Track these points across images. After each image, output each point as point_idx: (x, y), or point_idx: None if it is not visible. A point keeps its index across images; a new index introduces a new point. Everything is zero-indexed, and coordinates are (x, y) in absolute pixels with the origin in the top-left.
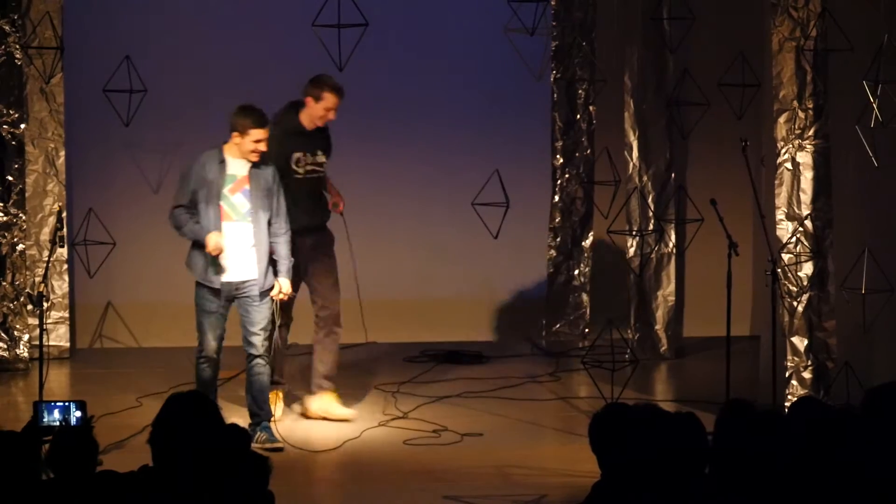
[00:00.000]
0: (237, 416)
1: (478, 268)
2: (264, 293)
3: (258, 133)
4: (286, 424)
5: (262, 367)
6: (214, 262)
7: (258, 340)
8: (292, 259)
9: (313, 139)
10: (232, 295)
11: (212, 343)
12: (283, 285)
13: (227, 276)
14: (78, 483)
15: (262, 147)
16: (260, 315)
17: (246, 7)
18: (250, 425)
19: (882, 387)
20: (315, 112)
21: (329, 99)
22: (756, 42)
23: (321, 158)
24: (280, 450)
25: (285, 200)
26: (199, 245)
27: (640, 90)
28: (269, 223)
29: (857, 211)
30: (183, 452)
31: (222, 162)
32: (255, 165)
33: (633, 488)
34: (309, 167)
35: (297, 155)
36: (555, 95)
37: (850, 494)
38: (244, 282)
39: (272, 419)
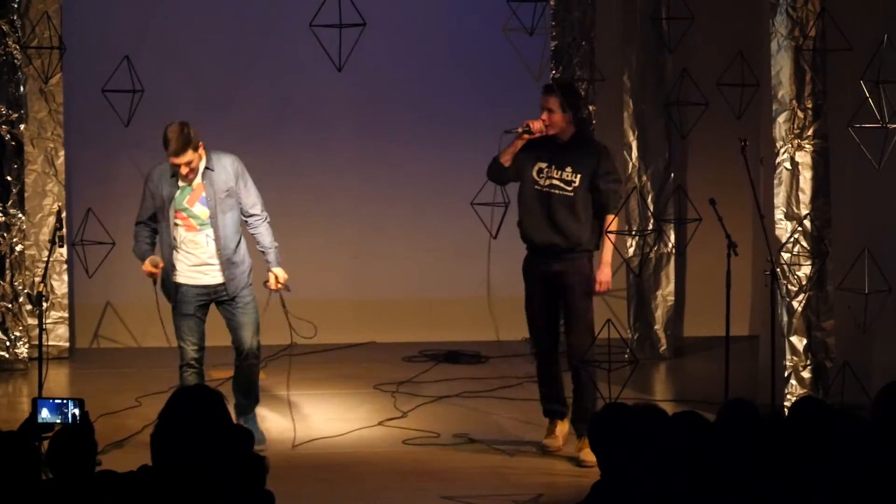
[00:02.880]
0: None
1: (477, 267)
2: (241, 294)
3: (174, 159)
4: (285, 425)
5: (251, 361)
6: (173, 267)
7: (248, 344)
8: (276, 244)
9: (565, 152)
10: (210, 299)
11: (192, 347)
12: (278, 274)
13: (196, 280)
14: (77, 483)
15: (185, 169)
16: (245, 317)
17: (245, 7)
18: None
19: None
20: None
21: (542, 100)
22: (755, 42)
23: (569, 176)
24: (261, 442)
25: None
26: (161, 250)
27: (639, 90)
28: (247, 215)
29: (855, 211)
30: (186, 449)
31: (174, 176)
32: (207, 169)
33: (633, 488)
34: (550, 181)
35: (540, 164)
36: None
37: (850, 494)
38: (216, 286)
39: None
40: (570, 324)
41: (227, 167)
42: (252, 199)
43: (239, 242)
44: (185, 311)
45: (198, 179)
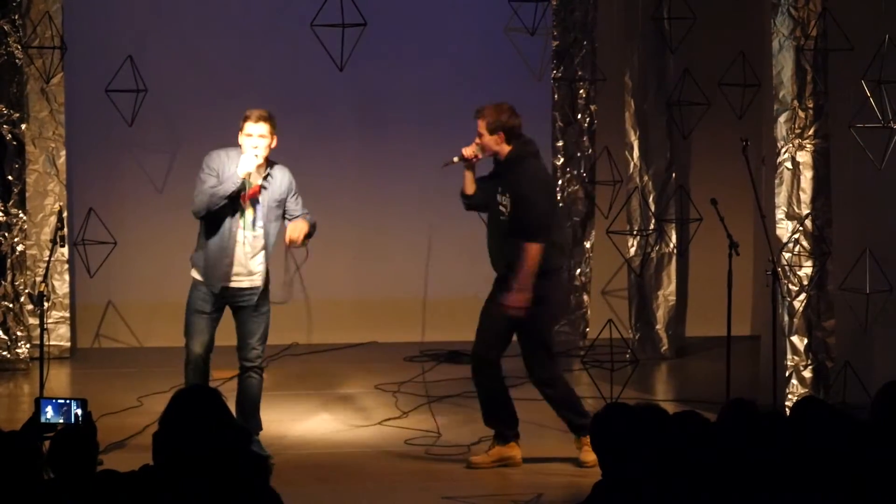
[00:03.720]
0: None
1: (478, 267)
2: (262, 302)
3: (248, 126)
4: (285, 425)
5: (255, 377)
6: (218, 267)
7: (254, 352)
8: (309, 216)
9: (498, 176)
10: (229, 303)
11: (200, 347)
12: (289, 230)
13: (230, 283)
14: (78, 483)
15: (256, 142)
16: (256, 325)
17: (247, 7)
18: None
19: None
20: None
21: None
22: (756, 42)
23: (504, 200)
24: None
25: None
26: (205, 246)
27: (641, 90)
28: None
29: (856, 210)
30: (189, 449)
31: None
32: (267, 175)
33: (634, 488)
34: (500, 206)
35: (498, 194)
36: (555, 95)
37: (851, 494)
38: (243, 290)
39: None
40: (527, 350)
41: (284, 179)
42: (299, 210)
43: (271, 252)
44: (201, 309)
45: (257, 180)
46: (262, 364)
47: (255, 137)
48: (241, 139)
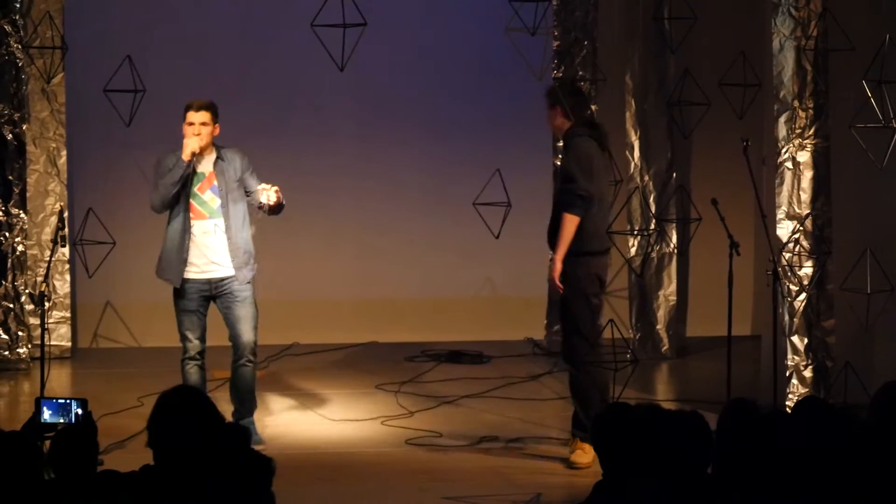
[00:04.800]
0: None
1: (479, 267)
2: (241, 288)
3: (189, 115)
4: (285, 425)
5: (248, 366)
6: (174, 262)
7: (247, 338)
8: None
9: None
10: (211, 294)
11: (194, 342)
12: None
13: (202, 275)
14: (79, 483)
15: (198, 129)
16: (243, 310)
17: (246, 7)
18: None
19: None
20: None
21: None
22: (757, 42)
23: None
24: (258, 443)
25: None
26: (164, 243)
27: (642, 90)
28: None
29: (857, 210)
30: (180, 450)
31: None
32: (218, 159)
33: (634, 488)
34: None
35: None
36: None
37: (851, 494)
38: (221, 279)
39: (253, 418)
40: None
41: (236, 159)
42: (256, 184)
43: (246, 235)
44: (187, 307)
45: (209, 167)
46: (254, 353)
47: (197, 125)
48: (184, 129)
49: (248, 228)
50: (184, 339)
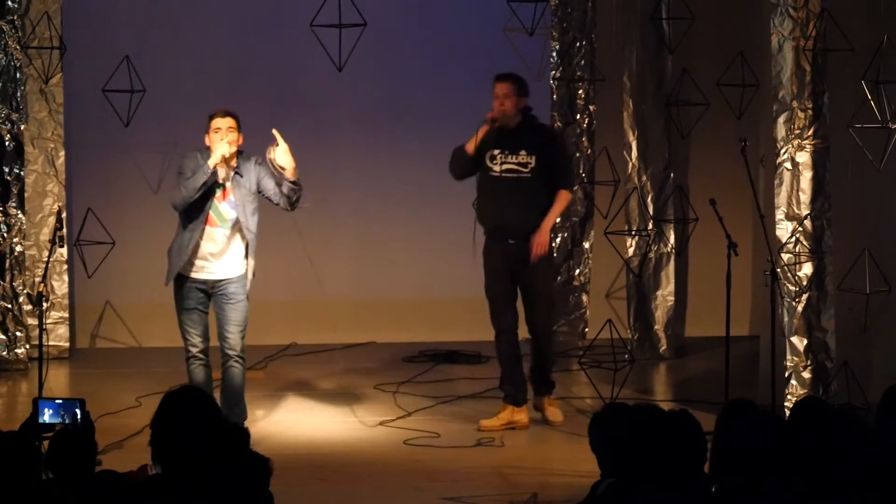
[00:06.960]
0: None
1: (478, 268)
2: (237, 291)
3: (215, 122)
4: (284, 425)
5: (237, 367)
6: (178, 258)
7: (234, 339)
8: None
9: (516, 137)
10: (208, 291)
11: (196, 339)
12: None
13: (207, 276)
14: (77, 483)
15: (224, 135)
16: (236, 313)
17: (245, 7)
18: None
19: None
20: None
21: (498, 88)
22: (755, 42)
23: (525, 158)
24: None
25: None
26: (175, 238)
27: (640, 90)
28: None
29: (856, 211)
30: (182, 450)
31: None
32: (236, 173)
33: (633, 488)
34: (506, 166)
35: (493, 152)
36: (554, 95)
37: (851, 495)
38: (218, 281)
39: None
40: (533, 303)
41: (250, 169)
42: (271, 182)
43: (254, 244)
44: (187, 306)
45: (229, 180)
46: (242, 353)
47: (224, 130)
48: (211, 137)
49: (255, 236)
50: (185, 337)
